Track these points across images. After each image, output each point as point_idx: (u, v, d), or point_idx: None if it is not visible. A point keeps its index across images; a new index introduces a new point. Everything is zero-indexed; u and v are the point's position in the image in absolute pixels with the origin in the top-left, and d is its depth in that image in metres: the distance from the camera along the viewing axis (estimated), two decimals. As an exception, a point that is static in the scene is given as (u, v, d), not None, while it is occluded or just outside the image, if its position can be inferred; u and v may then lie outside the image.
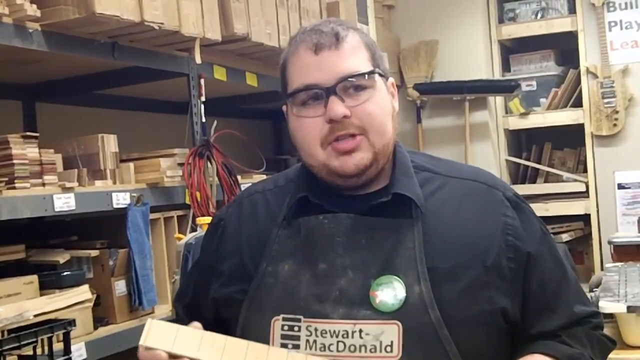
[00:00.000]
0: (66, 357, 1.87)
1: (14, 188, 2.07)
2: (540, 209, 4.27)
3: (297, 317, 1.20)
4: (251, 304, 1.25)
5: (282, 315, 1.21)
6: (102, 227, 2.55)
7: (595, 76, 4.28)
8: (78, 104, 3.12)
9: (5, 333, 1.75)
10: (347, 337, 1.17)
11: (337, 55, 1.23)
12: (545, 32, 4.45)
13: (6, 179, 2.06)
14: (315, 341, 1.18)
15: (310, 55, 1.24)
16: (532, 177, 4.62)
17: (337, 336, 1.17)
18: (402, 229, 1.22)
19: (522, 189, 4.41)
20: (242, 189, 2.55)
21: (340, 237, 1.23)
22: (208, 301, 1.34)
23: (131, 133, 3.00)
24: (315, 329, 1.18)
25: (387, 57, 4.36)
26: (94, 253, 2.40)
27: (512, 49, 4.69)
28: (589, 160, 4.33)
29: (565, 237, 4.30)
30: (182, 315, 1.42)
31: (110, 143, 2.50)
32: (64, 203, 2.18)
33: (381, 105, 1.25)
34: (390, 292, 1.18)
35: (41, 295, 2.11)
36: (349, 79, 1.22)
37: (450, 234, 1.23)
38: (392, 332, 1.16)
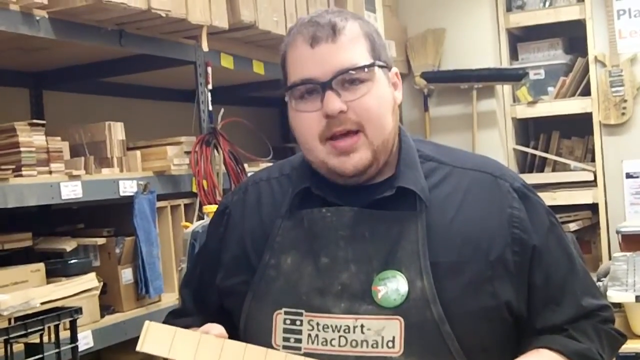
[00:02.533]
0: (73, 345, 1.87)
1: (21, 176, 2.07)
2: (548, 198, 4.25)
3: (299, 311, 1.19)
4: (254, 296, 1.25)
5: (284, 309, 1.20)
6: (109, 215, 2.55)
7: (603, 65, 4.25)
8: (85, 92, 3.12)
9: (12, 321, 1.75)
10: (349, 332, 1.16)
11: (334, 48, 1.20)
12: (554, 21, 4.42)
13: (13, 166, 2.06)
14: (317, 335, 1.17)
15: (307, 48, 1.21)
16: (539, 166, 4.60)
17: (338, 331, 1.16)
18: (406, 222, 1.21)
19: (530, 178, 4.40)
20: (249, 177, 2.54)
21: (343, 230, 1.22)
22: (213, 289, 1.34)
23: (138, 121, 3.00)
24: (317, 324, 1.18)
25: (395, 46, 4.35)
26: (101, 241, 2.40)
27: (520, 37, 4.66)
28: (597, 149, 4.30)
29: (573, 226, 4.28)
30: (188, 302, 1.41)
31: (117, 131, 2.50)
32: (71, 191, 2.18)
33: (380, 99, 1.22)
34: (393, 287, 1.17)
35: (48, 283, 2.11)
36: (346, 73, 1.19)
37: (454, 228, 1.21)
38: (394, 328, 1.15)
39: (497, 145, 4.47)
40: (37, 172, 2.13)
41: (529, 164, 4.66)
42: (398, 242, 1.19)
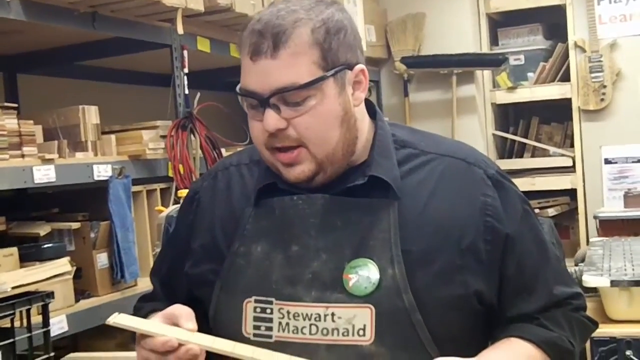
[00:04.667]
0: (45, 329, 1.86)
1: (-7, 159, 2.04)
2: (527, 184, 4.27)
3: (269, 299, 1.18)
4: (223, 285, 1.23)
5: (254, 297, 1.19)
6: (83, 200, 2.53)
7: (583, 50, 4.25)
8: (60, 76, 3.08)
9: (-16, 305, 1.73)
10: (320, 320, 1.15)
11: (273, 64, 1.13)
12: (534, 6, 4.41)
13: (-16, 150, 2.03)
14: (288, 324, 1.16)
15: (248, 60, 1.16)
16: (519, 151, 4.62)
17: (309, 319, 1.15)
18: (378, 210, 1.19)
19: (509, 164, 4.41)
20: (225, 161, 2.53)
21: (314, 218, 1.20)
22: (182, 277, 1.32)
23: (113, 105, 2.97)
24: (288, 312, 1.17)
25: (374, 30, 4.34)
26: (75, 225, 2.38)
27: (500, 23, 4.66)
28: (576, 135, 4.32)
29: (551, 211, 4.30)
30: (158, 289, 1.40)
31: (91, 114, 2.47)
32: (44, 175, 2.16)
33: (325, 114, 1.16)
34: (364, 276, 1.15)
35: (21, 267, 2.09)
36: (284, 92, 1.14)
37: (426, 216, 1.19)
38: (364, 316, 1.14)
39: (477, 131, 4.47)
40: (9, 156, 2.10)
41: (508, 150, 4.67)
42: (370, 230, 1.18)
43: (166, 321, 1.14)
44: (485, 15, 4.50)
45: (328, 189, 1.22)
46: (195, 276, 1.29)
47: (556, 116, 4.57)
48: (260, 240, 1.22)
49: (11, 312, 1.74)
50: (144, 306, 1.38)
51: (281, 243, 1.20)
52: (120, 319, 1.11)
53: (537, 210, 3.48)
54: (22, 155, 2.16)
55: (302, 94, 1.14)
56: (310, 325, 1.15)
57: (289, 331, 1.16)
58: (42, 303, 1.84)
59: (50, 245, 2.24)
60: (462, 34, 4.45)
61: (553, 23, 4.55)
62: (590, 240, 3.36)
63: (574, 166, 4.33)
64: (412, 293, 1.14)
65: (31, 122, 2.23)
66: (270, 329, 1.17)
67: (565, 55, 4.37)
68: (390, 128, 1.29)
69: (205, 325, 1.20)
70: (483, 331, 1.25)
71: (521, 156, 4.59)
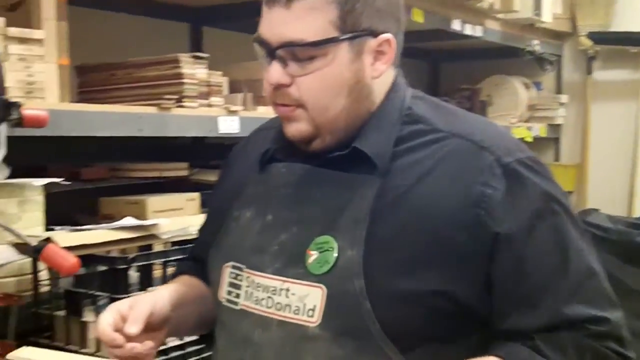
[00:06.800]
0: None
1: (182, 107, 2.11)
2: None
3: (241, 266, 1.14)
4: (213, 247, 1.21)
5: (231, 263, 1.15)
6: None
7: None
8: (244, 31, 3.13)
9: (170, 245, 1.80)
10: (276, 294, 1.09)
11: (286, 15, 1.06)
12: None
13: (176, 96, 2.10)
14: (251, 293, 1.12)
15: (265, 6, 1.09)
16: None
17: (267, 292, 1.10)
18: (359, 186, 1.09)
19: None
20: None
21: (292, 188, 1.14)
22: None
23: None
24: (253, 281, 1.12)
25: (560, 1, 4.10)
26: (253, 177, 2.42)
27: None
28: None
29: None
30: (194, 249, 1.40)
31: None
32: (229, 125, 2.21)
33: (330, 79, 1.08)
34: (325, 254, 1.07)
35: (201, 213, 2.16)
36: (291, 47, 1.07)
37: (407, 199, 1.07)
38: (316, 296, 1.06)
39: (663, 117, 4.17)
40: (197, 104, 2.16)
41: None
42: (345, 207, 1.08)
43: (118, 316, 1.11)
44: (688, -10, 4.15)
45: (313, 160, 1.14)
46: (205, 238, 1.29)
47: None
48: (251, 206, 1.18)
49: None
50: (181, 266, 1.41)
51: (262, 211, 1.16)
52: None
53: None
54: (209, 105, 2.21)
55: (310, 52, 1.07)
56: (268, 297, 1.10)
57: (251, 301, 1.12)
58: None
59: (228, 194, 2.29)
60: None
61: None
62: None
63: None
64: (365, 279, 1.04)
65: (220, 73, 2.28)
66: (238, 296, 1.13)
67: None
68: (412, 101, 1.16)
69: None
70: (471, 338, 1.09)
71: None
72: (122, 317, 1.10)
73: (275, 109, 1.15)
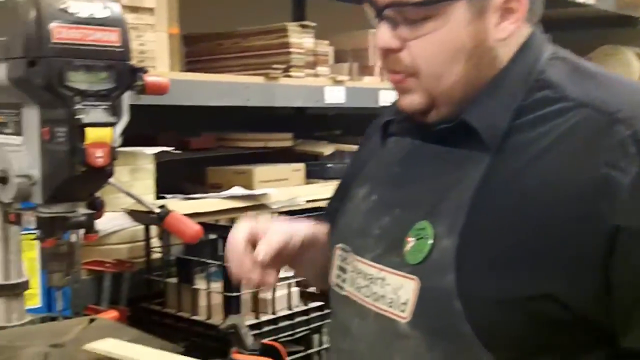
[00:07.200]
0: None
1: (289, 76, 2.09)
2: None
3: (348, 248, 1.05)
4: (333, 226, 1.13)
5: (341, 245, 1.07)
6: (364, 125, 2.53)
7: None
8: (349, 1, 3.09)
9: (277, 215, 1.79)
10: (373, 282, 0.99)
11: None
12: None
13: (283, 66, 2.08)
14: (354, 279, 1.02)
15: None
16: None
17: (366, 279, 1.00)
18: (469, 165, 0.94)
19: None
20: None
21: (397, 166, 1.04)
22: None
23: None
24: (356, 267, 1.02)
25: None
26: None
27: None
28: None
29: None
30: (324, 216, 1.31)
31: (380, 39, 2.44)
32: (335, 95, 2.18)
33: (444, 44, 0.94)
34: (421, 242, 0.94)
35: (305, 184, 2.15)
36: (400, 6, 0.94)
37: (516, 184, 0.91)
38: (409, 289, 0.94)
39: None
40: (304, 74, 2.14)
41: None
42: (449, 188, 0.95)
43: (253, 232, 1.07)
44: None
45: (425, 135, 1.02)
46: (329, 212, 1.20)
47: None
48: (365, 184, 1.08)
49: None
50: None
51: (371, 190, 1.06)
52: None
53: None
54: (316, 75, 2.19)
55: (421, 12, 0.93)
56: (366, 286, 1.00)
57: (354, 287, 1.02)
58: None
59: (333, 165, 2.28)
60: None
61: None
62: None
63: None
64: (457, 273, 0.90)
65: (326, 42, 2.25)
66: (344, 280, 1.04)
67: None
68: (548, 63, 0.99)
69: None
70: (597, 349, 0.91)
71: None
72: (255, 235, 1.07)
73: (389, 78, 1.05)
